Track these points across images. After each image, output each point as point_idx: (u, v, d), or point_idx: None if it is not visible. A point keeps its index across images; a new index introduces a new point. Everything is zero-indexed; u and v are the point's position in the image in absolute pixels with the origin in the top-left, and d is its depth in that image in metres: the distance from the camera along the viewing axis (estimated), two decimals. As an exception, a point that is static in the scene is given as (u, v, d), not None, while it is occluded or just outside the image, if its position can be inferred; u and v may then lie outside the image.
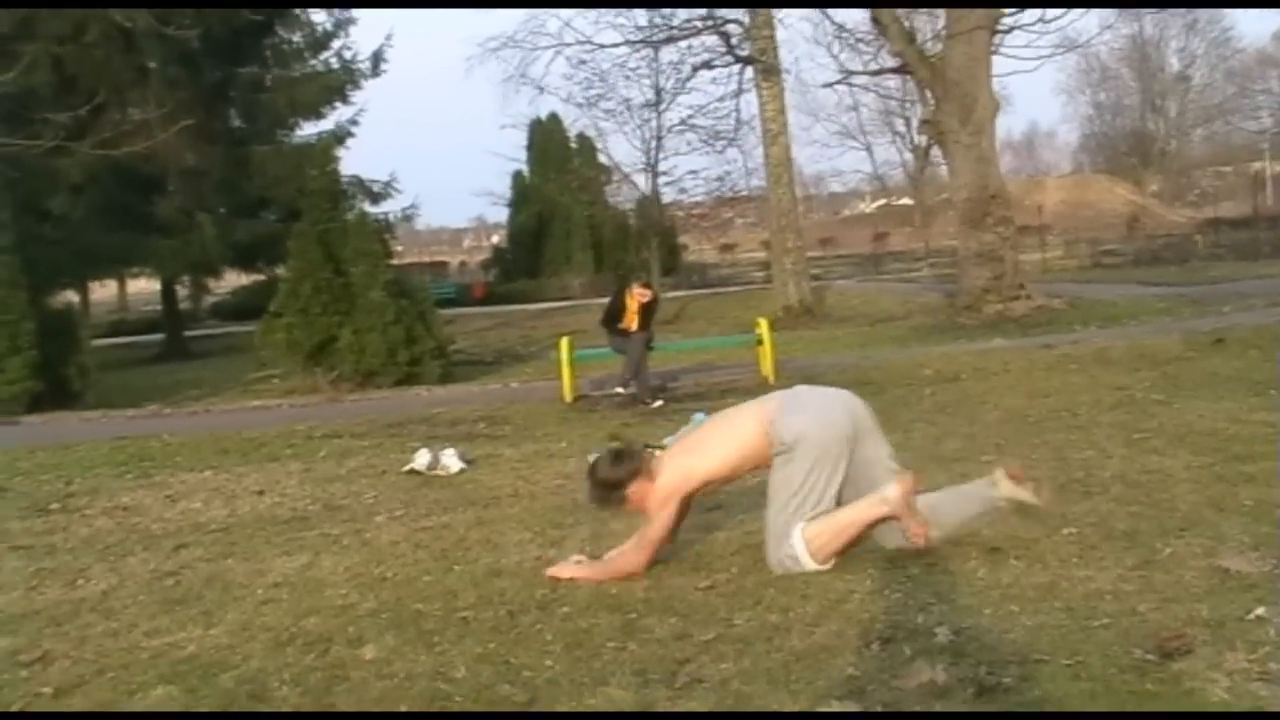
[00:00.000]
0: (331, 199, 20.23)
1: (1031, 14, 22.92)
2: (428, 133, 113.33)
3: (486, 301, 44.03)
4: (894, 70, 28.03)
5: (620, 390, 12.47)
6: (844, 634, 3.92)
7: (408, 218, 35.91)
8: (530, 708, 3.48)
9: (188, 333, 33.92)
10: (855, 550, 4.75)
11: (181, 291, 34.73)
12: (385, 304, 18.02)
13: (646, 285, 13.37)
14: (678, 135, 34.53)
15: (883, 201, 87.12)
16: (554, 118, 47.27)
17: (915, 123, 60.72)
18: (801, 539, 4.65)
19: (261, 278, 33.85)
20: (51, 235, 23.18)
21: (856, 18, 32.88)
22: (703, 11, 27.02)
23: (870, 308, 28.16)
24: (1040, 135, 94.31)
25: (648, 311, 12.99)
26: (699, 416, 7.05)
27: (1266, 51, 72.69)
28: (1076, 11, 25.55)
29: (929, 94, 22.93)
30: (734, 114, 31.68)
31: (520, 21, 29.67)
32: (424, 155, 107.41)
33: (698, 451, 4.97)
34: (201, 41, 26.73)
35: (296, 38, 32.56)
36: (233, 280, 40.37)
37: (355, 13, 33.10)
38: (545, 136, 49.74)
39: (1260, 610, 3.77)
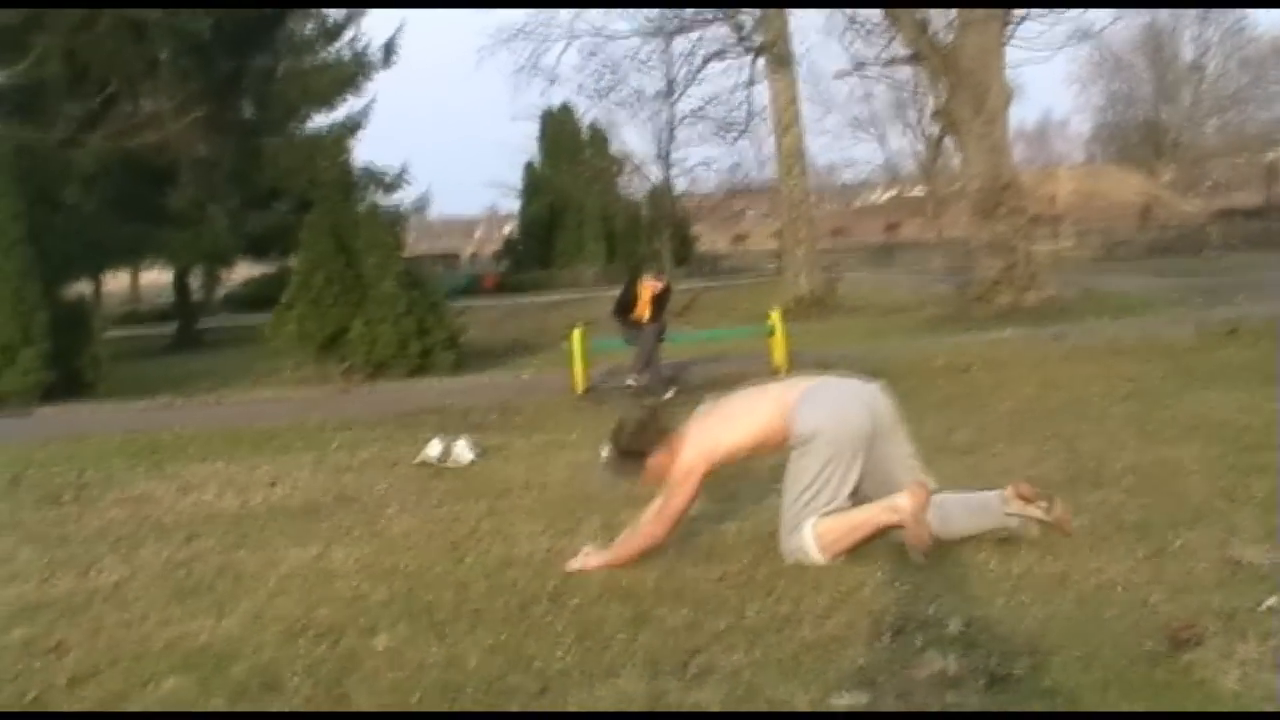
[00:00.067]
0: (343, 190, 20.27)
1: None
2: (439, 123, 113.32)
3: (498, 292, 44.04)
4: (906, 60, 27.91)
5: (632, 381, 12.46)
6: (855, 624, 3.92)
7: (419, 208, 35.94)
8: (541, 698, 3.48)
9: (200, 323, 33.97)
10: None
11: (194, 282, 34.73)
12: (397, 295, 18.03)
13: (659, 276, 13.37)
14: (690, 126, 34.51)
15: (895, 192, 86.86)
16: (566, 108, 47.27)
17: (928, 113, 60.43)
18: (812, 534, 4.66)
19: (273, 269, 33.88)
20: (64, 226, 23.15)
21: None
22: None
23: (882, 298, 28.12)
24: (1053, 125, 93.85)
25: (660, 302, 12.99)
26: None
27: (1281, 40, 72.32)
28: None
29: (941, 84, 22.87)
30: (746, 104, 31.63)
31: (531, 12, 29.53)
32: (436, 146, 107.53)
33: (720, 427, 4.96)
34: (213, 32, 26.81)
35: (308, 28, 32.54)
36: (245, 271, 40.41)
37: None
38: (557, 127, 49.79)
39: (1271, 601, 3.77)
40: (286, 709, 3.58)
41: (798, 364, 12.70)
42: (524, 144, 52.37)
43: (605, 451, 5.22)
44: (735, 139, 33.76)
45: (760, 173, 36.21)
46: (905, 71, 50.88)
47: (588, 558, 4.92)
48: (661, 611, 4.21)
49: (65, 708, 3.71)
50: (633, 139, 66.20)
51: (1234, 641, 3.46)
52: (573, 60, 57.07)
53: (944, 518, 4.69)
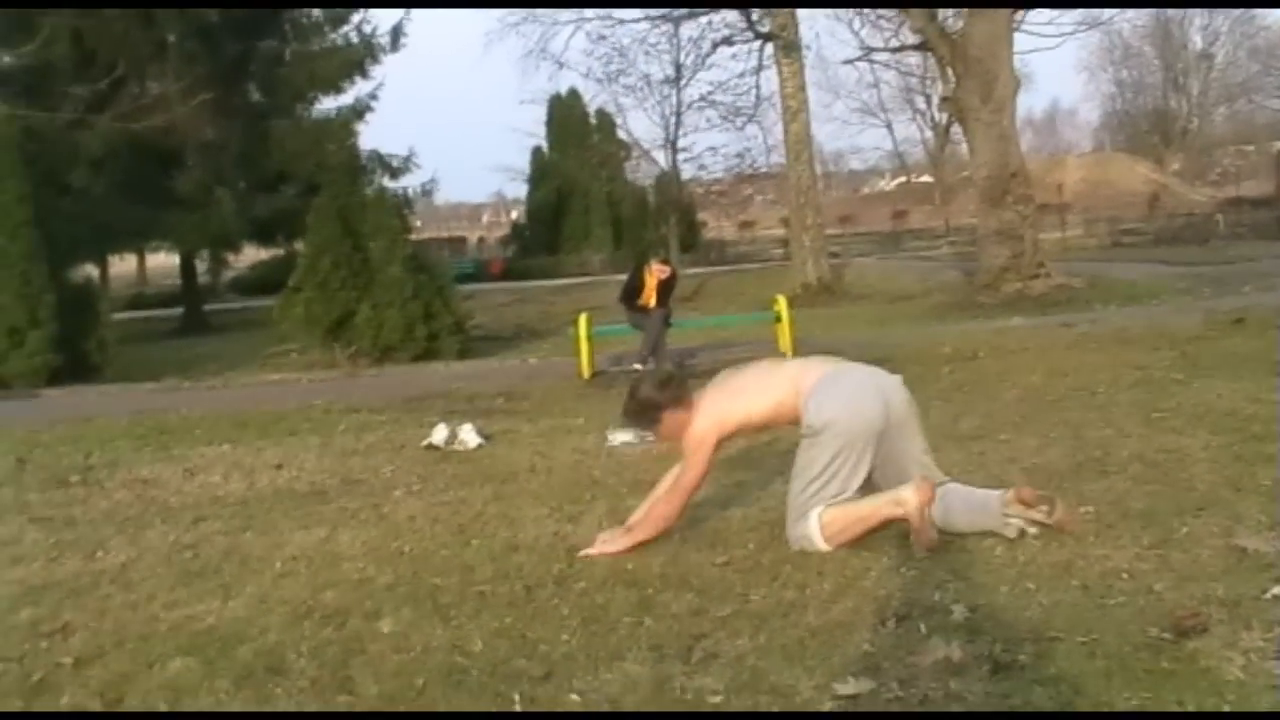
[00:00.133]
0: (350, 174, 20.30)
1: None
2: (447, 108, 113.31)
3: (505, 277, 44.10)
4: (915, 47, 27.98)
5: (639, 367, 12.46)
6: (860, 611, 3.93)
7: (427, 193, 35.87)
8: (546, 682, 3.49)
9: (206, 307, 34.04)
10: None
11: (200, 266, 34.79)
12: (404, 279, 18.06)
13: (665, 262, 13.38)
14: (697, 111, 34.57)
15: (902, 179, 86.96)
16: (573, 93, 47.29)
17: (936, 100, 60.44)
18: (818, 523, 4.66)
19: (280, 252, 33.86)
20: (71, 209, 23.19)
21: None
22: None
23: (889, 286, 28.11)
24: (1061, 113, 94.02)
25: (666, 288, 12.99)
26: None
27: (1291, 29, 72.13)
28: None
29: (950, 71, 22.87)
30: (754, 90, 31.70)
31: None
32: (443, 130, 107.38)
33: (735, 399, 4.95)
34: (220, 16, 26.79)
35: (316, 12, 32.45)
36: (251, 255, 40.40)
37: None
38: (565, 112, 49.76)
39: (1276, 589, 3.76)
40: (292, 691, 3.58)
41: (805, 351, 12.69)
42: (532, 129, 52.25)
43: (623, 406, 5.24)
44: (743, 125, 33.79)
45: (768, 159, 36.15)
46: (914, 58, 51.10)
47: (605, 544, 4.91)
48: (666, 597, 4.22)
49: (71, 688, 3.71)
50: (640, 125, 66.17)
51: (1238, 630, 3.46)
52: (581, 45, 57.04)
53: (945, 510, 4.69)
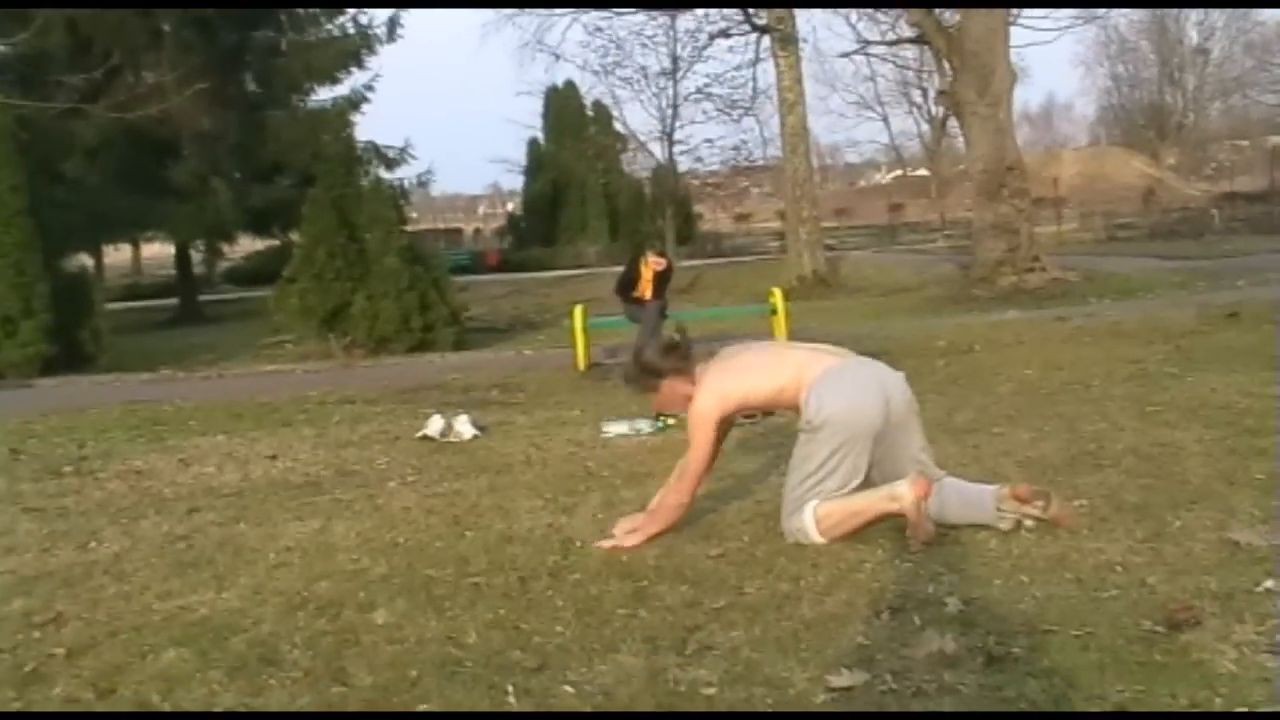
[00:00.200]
0: (346, 165, 20.29)
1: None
2: (443, 99, 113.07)
3: (501, 269, 44.00)
4: (911, 40, 27.97)
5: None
6: (854, 603, 3.93)
7: (423, 184, 35.85)
8: (540, 674, 3.48)
9: (201, 297, 33.99)
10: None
11: (195, 256, 34.76)
12: (399, 270, 18.07)
13: (661, 254, 13.36)
14: (694, 104, 34.58)
15: (899, 172, 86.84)
16: (570, 85, 47.23)
17: (932, 93, 60.42)
18: (813, 517, 4.65)
19: (276, 243, 33.87)
20: (65, 198, 23.17)
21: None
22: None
23: (885, 279, 28.13)
24: (1057, 107, 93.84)
25: (662, 280, 12.98)
26: None
27: (1286, 25, 72.10)
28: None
29: (946, 64, 22.87)
30: (750, 83, 31.75)
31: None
32: (439, 121, 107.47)
33: (738, 378, 4.92)
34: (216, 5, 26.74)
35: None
36: (247, 245, 40.40)
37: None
38: (561, 104, 49.70)
39: (1269, 583, 3.77)
40: (285, 682, 3.58)
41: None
42: (528, 121, 52.22)
43: (625, 368, 5.25)
44: (739, 117, 33.80)
45: (764, 152, 36.16)
46: (910, 52, 51.09)
47: (625, 536, 4.89)
48: (661, 588, 4.22)
49: (63, 679, 3.70)
50: (637, 117, 66.10)
51: (1231, 623, 3.47)
52: (578, 36, 56.93)
53: (941, 504, 4.69)
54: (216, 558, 5.13)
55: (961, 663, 3.32)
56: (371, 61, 32.16)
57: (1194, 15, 72.03)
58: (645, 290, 12.82)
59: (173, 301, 33.38)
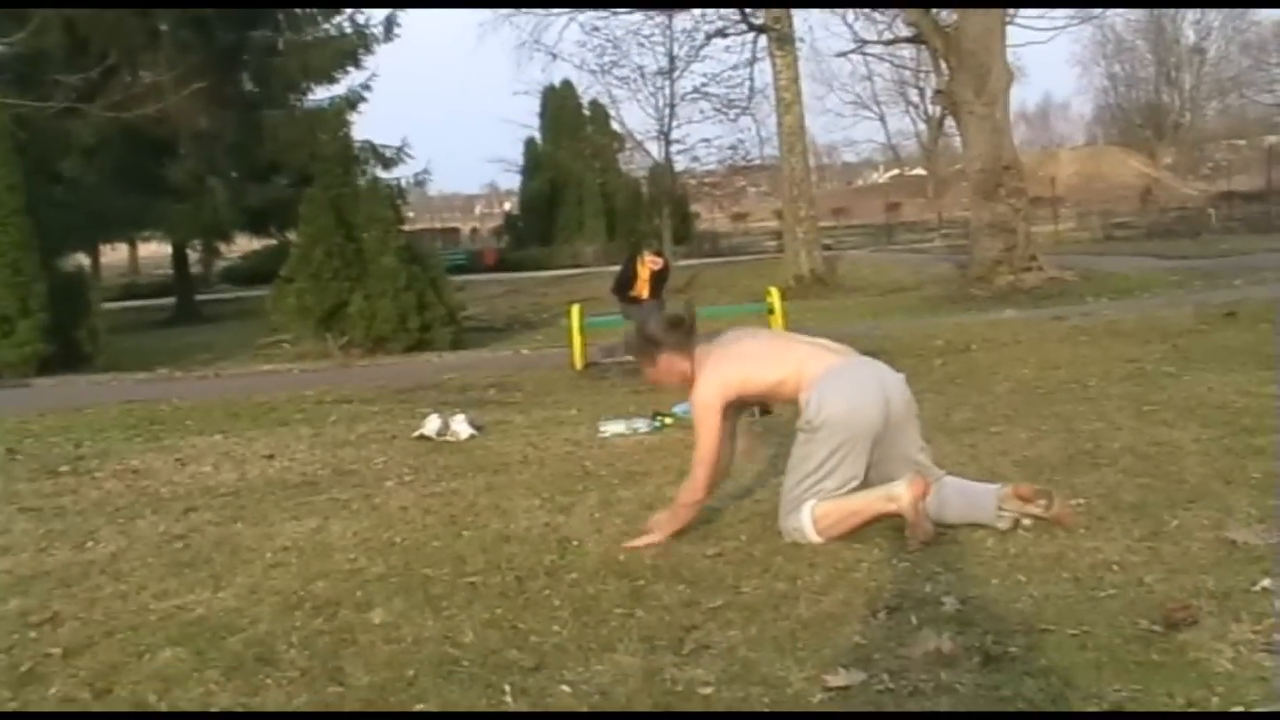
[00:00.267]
0: (344, 164, 20.27)
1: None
2: (441, 98, 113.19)
3: (498, 268, 43.96)
4: (908, 40, 27.96)
5: (631, 359, 12.45)
6: (851, 602, 3.93)
7: (420, 183, 35.81)
8: (537, 673, 3.48)
9: (199, 297, 33.96)
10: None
11: (192, 255, 34.73)
12: (397, 270, 18.06)
13: (658, 253, 13.37)
14: (691, 103, 34.46)
15: (896, 172, 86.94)
16: (567, 84, 47.07)
17: (929, 93, 60.45)
18: (810, 516, 4.65)
19: (273, 243, 33.80)
20: (63, 198, 23.18)
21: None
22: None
23: (882, 278, 28.12)
24: (1054, 107, 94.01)
25: (659, 279, 12.99)
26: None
27: (1283, 24, 72.13)
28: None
29: (943, 64, 22.86)
30: (747, 82, 31.66)
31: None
32: (437, 121, 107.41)
33: (740, 365, 4.86)
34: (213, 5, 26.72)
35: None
36: (244, 245, 40.37)
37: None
38: (558, 103, 49.60)
39: (1266, 582, 3.77)
40: (282, 681, 3.57)
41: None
42: (525, 120, 52.19)
43: (629, 334, 5.24)
44: (736, 117, 33.74)
45: (761, 151, 36.09)
46: (907, 51, 51.12)
47: (651, 534, 4.88)
48: (658, 588, 4.22)
49: (60, 679, 3.70)
50: (634, 116, 66.08)
51: (1228, 622, 3.47)
52: (575, 36, 56.79)
53: (940, 504, 4.68)
54: (213, 557, 5.13)
55: (958, 662, 3.32)
56: (369, 61, 32.15)
57: (1190, 15, 72.14)
58: (642, 290, 12.83)
59: (170, 301, 33.33)
